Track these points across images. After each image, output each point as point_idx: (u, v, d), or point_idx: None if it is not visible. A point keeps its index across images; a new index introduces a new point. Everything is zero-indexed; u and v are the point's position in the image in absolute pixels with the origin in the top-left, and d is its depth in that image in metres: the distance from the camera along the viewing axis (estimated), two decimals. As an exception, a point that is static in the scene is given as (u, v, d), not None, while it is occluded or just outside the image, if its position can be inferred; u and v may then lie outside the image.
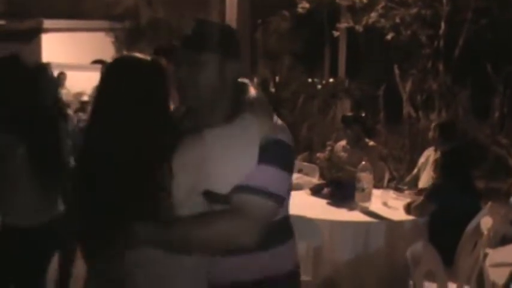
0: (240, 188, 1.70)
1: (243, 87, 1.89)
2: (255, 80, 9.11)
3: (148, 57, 1.80)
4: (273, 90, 9.86)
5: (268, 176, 1.72)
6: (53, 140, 2.86)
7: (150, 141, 1.66)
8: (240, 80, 1.90)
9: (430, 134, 5.25)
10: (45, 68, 3.08)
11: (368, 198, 4.09)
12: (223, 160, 1.71)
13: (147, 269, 1.70)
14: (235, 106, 1.81)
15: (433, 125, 5.40)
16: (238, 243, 1.71)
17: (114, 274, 1.69)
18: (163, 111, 1.73)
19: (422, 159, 5.40)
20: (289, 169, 1.81)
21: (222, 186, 1.71)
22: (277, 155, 1.75)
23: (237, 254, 1.77)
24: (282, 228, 1.91)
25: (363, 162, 4.13)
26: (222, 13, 8.50)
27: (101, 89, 1.74)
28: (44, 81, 3.03)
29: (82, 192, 1.69)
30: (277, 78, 10.28)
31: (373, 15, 8.31)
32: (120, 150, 1.64)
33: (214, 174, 1.70)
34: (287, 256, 1.93)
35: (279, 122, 1.85)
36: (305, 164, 6.09)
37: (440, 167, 4.14)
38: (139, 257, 1.67)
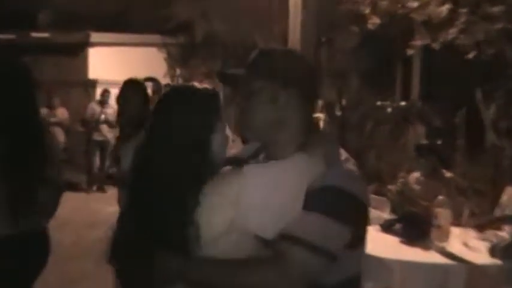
0: (283, 236, 1.65)
1: (310, 122, 1.87)
2: (320, 102, 9.12)
3: (203, 87, 1.91)
4: (338, 113, 9.86)
5: (316, 227, 1.65)
6: (32, 152, 2.88)
7: (185, 172, 1.78)
8: (311, 114, 1.90)
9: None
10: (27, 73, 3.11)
11: (445, 236, 4.05)
12: (263, 200, 1.68)
13: None
14: (298, 142, 1.80)
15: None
16: None
17: None
18: (204, 144, 1.81)
19: (504, 197, 5.28)
20: (347, 221, 1.70)
21: (260, 228, 1.69)
22: (329, 203, 1.68)
23: None
24: None
25: (440, 197, 4.12)
26: (285, 30, 8.55)
27: (155, 121, 1.91)
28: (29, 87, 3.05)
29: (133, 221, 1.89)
30: (343, 101, 10.27)
31: (452, 31, 8.21)
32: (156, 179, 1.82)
33: (252, 214, 1.69)
34: None
35: (350, 166, 1.77)
36: (374, 196, 6.04)
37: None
38: None
